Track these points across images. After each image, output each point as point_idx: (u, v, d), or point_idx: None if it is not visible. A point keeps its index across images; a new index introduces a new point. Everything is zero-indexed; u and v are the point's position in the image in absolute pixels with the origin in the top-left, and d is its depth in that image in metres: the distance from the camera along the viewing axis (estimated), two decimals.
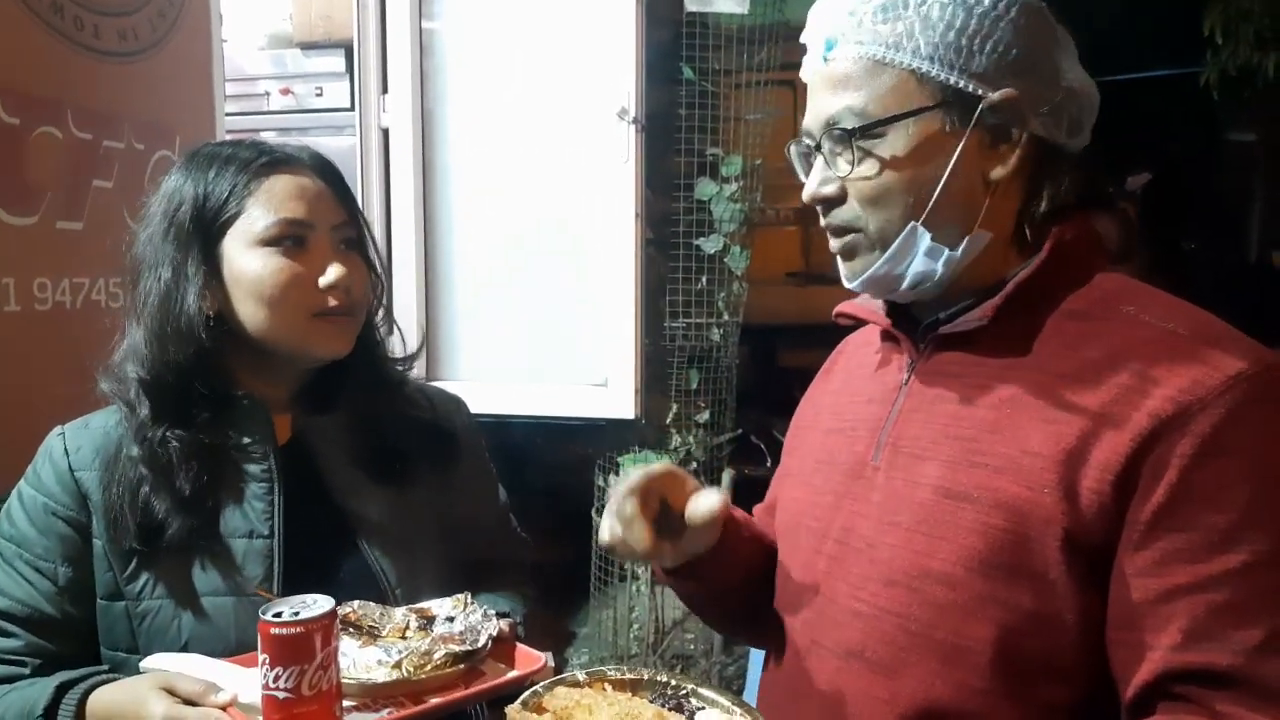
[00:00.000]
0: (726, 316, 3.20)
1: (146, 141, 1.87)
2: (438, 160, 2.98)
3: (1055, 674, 0.74)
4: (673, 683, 0.82)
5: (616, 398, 2.91)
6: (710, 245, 3.10)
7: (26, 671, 0.92)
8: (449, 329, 2.94)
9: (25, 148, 1.57)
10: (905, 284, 0.84)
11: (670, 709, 0.78)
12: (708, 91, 3.07)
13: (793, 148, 0.90)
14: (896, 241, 0.82)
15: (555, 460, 3.42)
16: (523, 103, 2.90)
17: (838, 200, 0.85)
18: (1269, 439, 0.69)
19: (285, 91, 3.20)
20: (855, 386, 0.97)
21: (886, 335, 0.94)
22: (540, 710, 0.76)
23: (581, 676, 0.81)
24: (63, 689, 0.87)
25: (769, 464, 3.91)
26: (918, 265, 0.82)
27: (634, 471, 0.88)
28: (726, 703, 0.78)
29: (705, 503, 0.88)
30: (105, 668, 0.92)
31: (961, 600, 0.76)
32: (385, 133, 2.98)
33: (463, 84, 2.94)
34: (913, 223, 0.81)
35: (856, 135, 0.80)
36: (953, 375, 0.84)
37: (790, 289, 5.16)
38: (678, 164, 3.07)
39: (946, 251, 0.82)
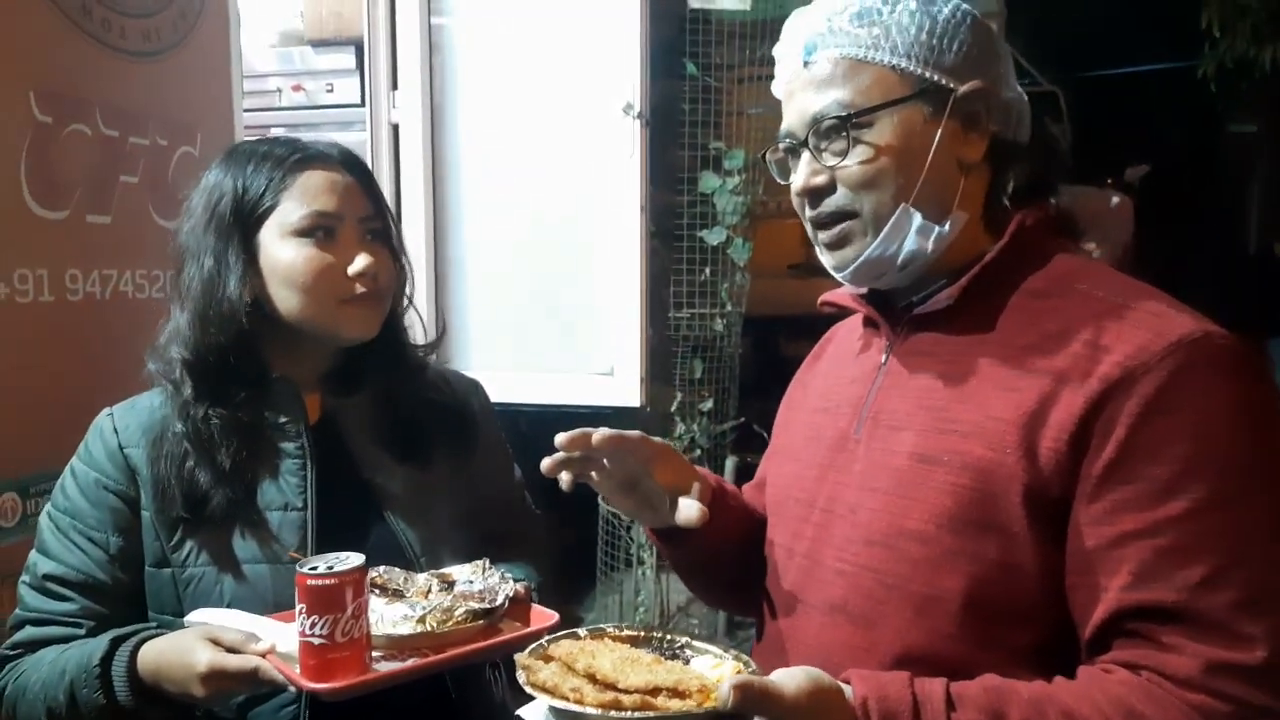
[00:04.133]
0: (729, 307, 3.27)
1: (170, 138, 1.94)
2: (447, 155, 3.04)
3: (1020, 619, 0.81)
4: (669, 637, 0.89)
5: (622, 386, 2.98)
6: (714, 237, 3.16)
7: (82, 632, 1.00)
8: (459, 320, 3.01)
9: (57, 145, 1.64)
10: (899, 263, 0.90)
11: (667, 659, 0.84)
12: (710, 86, 3.13)
13: (770, 155, 0.97)
14: (890, 222, 0.89)
15: None
16: (530, 98, 2.97)
17: (827, 190, 0.91)
18: (1206, 398, 0.76)
19: (297, 88, 3.27)
20: (839, 370, 1.05)
21: (868, 321, 1.02)
22: (547, 659, 0.82)
23: (583, 632, 0.88)
24: (116, 642, 0.95)
25: None
26: (910, 244, 0.89)
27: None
28: (719, 650, 0.85)
29: (688, 514, 0.96)
30: (154, 625, 1.00)
31: (934, 555, 0.83)
32: (395, 128, 3.05)
33: (471, 80, 3.01)
34: (904, 204, 0.88)
35: (850, 122, 0.88)
36: (926, 353, 0.92)
37: (792, 281, 5.22)
38: (681, 158, 3.13)
39: (936, 229, 0.89)
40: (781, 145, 0.95)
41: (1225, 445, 0.75)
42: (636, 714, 0.73)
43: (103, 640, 0.95)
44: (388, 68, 3.02)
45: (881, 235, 0.89)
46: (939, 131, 0.88)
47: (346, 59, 3.19)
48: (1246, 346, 0.80)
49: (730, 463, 3.34)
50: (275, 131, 3.40)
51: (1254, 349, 0.80)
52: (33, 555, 1.04)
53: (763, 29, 3.13)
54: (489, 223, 3.04)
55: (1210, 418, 0.75)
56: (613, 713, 0.73)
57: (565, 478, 0.95)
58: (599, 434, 0.93)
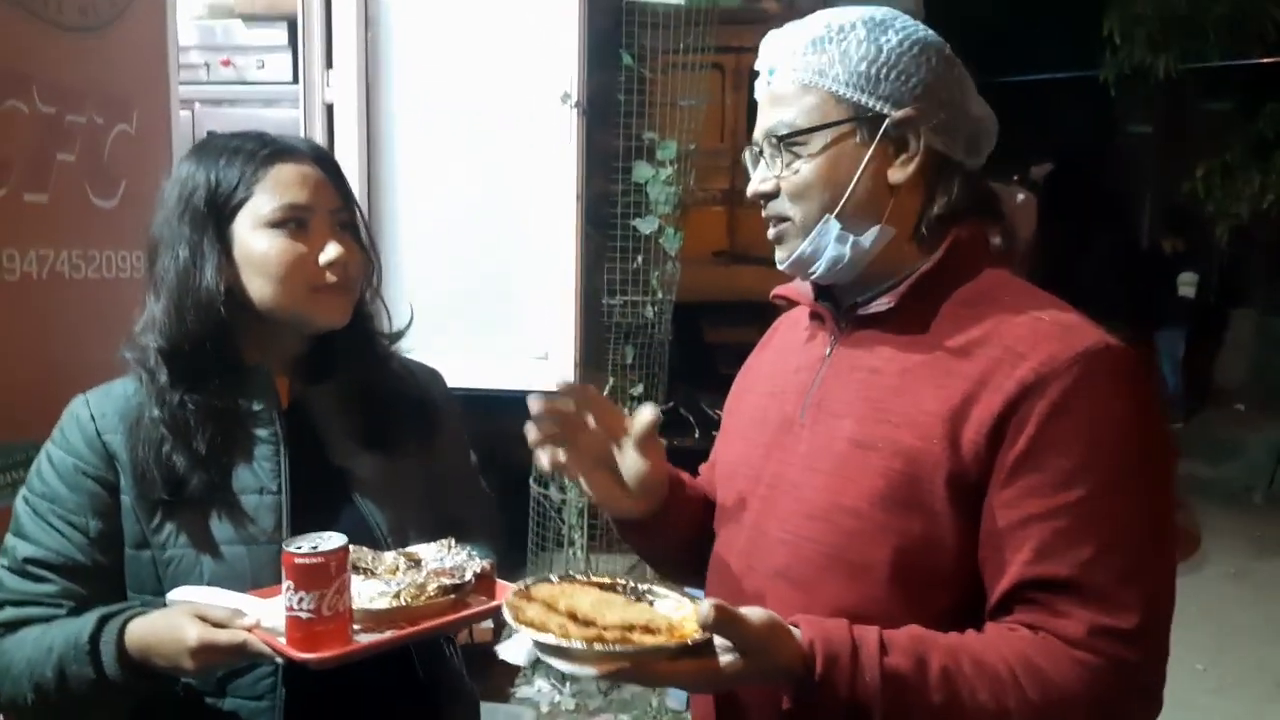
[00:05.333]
0: (660, 294, 3.37)
1: (106, 116, 1.91)
2: (382, 137, 3.03)
3: (939, 585, 0.93)
4: (633, 584, 0.97)
5: (556, 371, 3.03)
6: (646, 226, 3.25)
7: (63, 613, 1.02)
8: (393, 303, 3.00)
9: None
10: (820, 264, 1.01)
11: (634, 602, 0.92)
12: (644, 77, 3.20)
13: (746, 153, 1.08)
14: (815, 229, 1.00)
15: (497, 430, 3.53)
16: (468, 82, 2.98)
17: (773, 195, 1.02)
18: (1102, 403, 0.88)
19: (226, 63, 3.21)
20: (786, 358, 1.14)
21: (814, 315, 1.12)
22: (530, 599, 0.90)
23: (554, 578, 0.96)
24: (103, 620, 0.98)
25: (697, 435, 4.09)
26: (831, 250, 1.00)
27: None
28: (679, 596, 0.93)
29: (644, 416, 1.06)
30: (138, 603, 1.03)
31: (866, 529, 0.94)
32: (329, 108, 3.02)
33: (408, 61, 3.00)
34: (828, 215, 0.99)
35: (785, 140, 0.99)
36: (866, 349, 1.02)
37: (716, 268, 5.34)
38: (616, 147, 3.20)
39: (852, 238, 0.99)
40: (752, 149, 1.06)
41: (1116, 444, 0.88)
42: (617, 647, 0.81)
43: (90, 618, 0.98)
44: (322, 45, 2.99)
45: (807, 239, 1.00)
46: (868, 154, 0.98)
47: (279, 35, 3.15)
48: (1137, 355, 0.93)
49: None
50: (200, 108, 3.33)
51: (1141, 355, 0.94)
52: (9, 540, 1.05)
53: (696, 17, 3.22)
54: (424, 207, 3.04)
55: (1105, 420, 0.88)
56: (596, 645, 0.80)
57: (544, 460, 1.02)
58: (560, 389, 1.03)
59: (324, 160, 1.16)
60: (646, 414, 1.05)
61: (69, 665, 0.96)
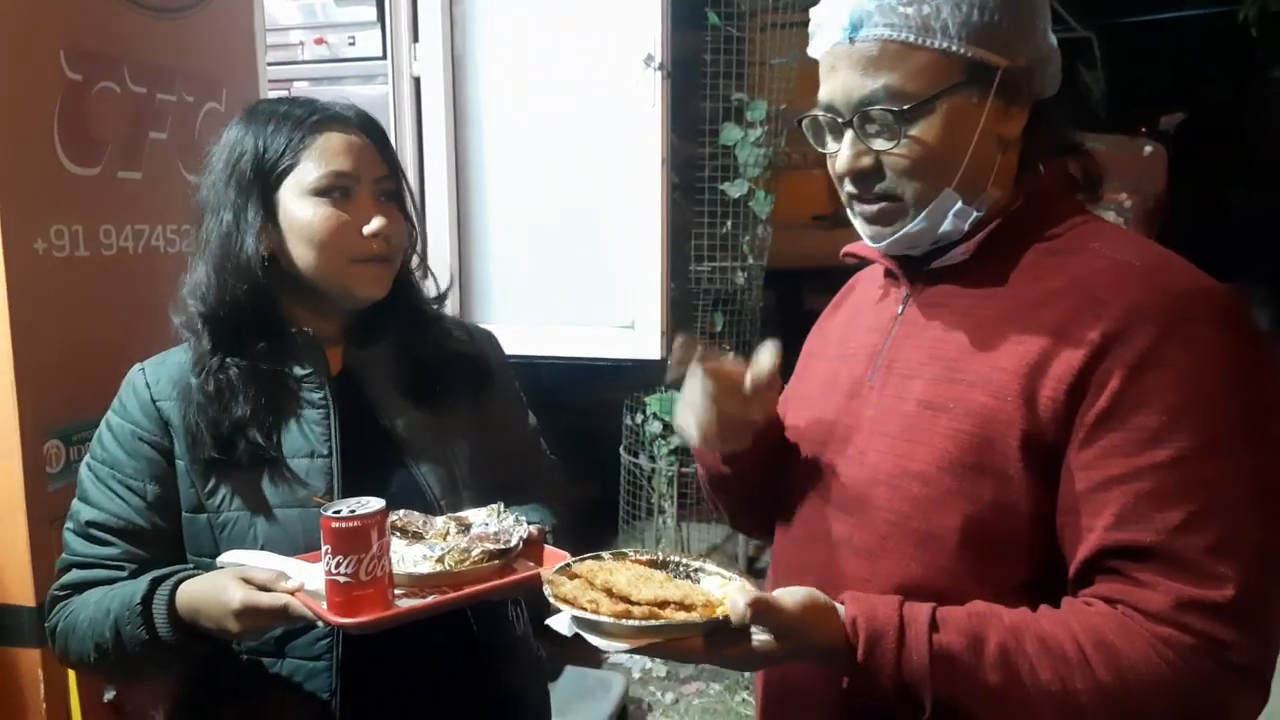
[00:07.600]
0: (751, 260, 3.29)
1: (196, 94, 1.98)
2: (469, 107, 3.06)
3: (1012, 556, 0.85)
4: (683, 561, 0.95)
5: (643, 339, 3.01)
6: (735, 190, 3.17)
7: (124, 575, 1.06)
8: (481, 273, 3.05)
9: (88, 102, 1.68)
10: (930, 241, 0.93)
11: (680, 579, 0.91)
12: (732, 37, 3.11)
13: (807, 120, 0.95)
14: (930, 206, 0.90)
15: (583, 400, 3.55)
16: (551, 49, 2.96)
17: (873, 172, 0.90)
18: (1196, 351, 0.79)
19: (319, 41, 3.28)
20: (859, 319, 1.08)
21: (888, 272, 1.04)
22: (572, 576, 0.90)
23: (606, 555, 0.95)
24: (156, 582, 1.01)
25: None
26: (946, 226, 0.91)
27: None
28: (727, 573, 0.91)
29: (764, 359, 0.96)
30: (191, 566, 1.06)
31: (934, 495, 0.87)
32: (417, 81, 3.06)
33: (492, 32, 3.01)
34: (947, 189, 0.89)
35: (905, 116, 0.86)
36: (940, 305, 0.95)
37: (817, 233, 5.20)
38: (703, 109, 3.12)
39: (973, 213, 0.91)
40: (822, 116, 0.92)
41: (1211, 397, 0.78)
42: (644, 623, 0.80)
43: (143, 581, 1.02)
44: (409, 20, 3.02)
45: (921, 216, 0.91)
46: (984, 113, 0.87)
47: (368, 11, 3.19)
48: (1244, 302, 0.82)
49: None
50: (299, 85, 3.42)
51: (1246, 300, 0.83)
52: (75, 504, 1.10)
53: None
54: (511, 176, 3.05)
55: (1199, 370, 0.78)
56: (623, 621, 0.80)
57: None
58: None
59: (371, 128, 1.15)
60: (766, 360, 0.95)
61: (124, 626, 1.00)
